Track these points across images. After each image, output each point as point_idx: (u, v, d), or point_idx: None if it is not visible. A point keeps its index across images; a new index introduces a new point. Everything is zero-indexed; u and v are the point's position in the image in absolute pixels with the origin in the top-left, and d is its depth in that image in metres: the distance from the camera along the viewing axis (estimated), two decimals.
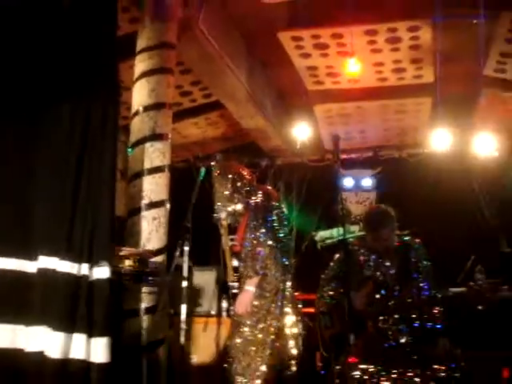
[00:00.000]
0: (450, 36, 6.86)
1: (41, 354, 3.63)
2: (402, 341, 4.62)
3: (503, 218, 8.76)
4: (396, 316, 4.68)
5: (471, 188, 9.03)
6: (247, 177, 5.12)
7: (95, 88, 4.11)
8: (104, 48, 4.21)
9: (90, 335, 3.76)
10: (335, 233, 8.44)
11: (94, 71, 4.12)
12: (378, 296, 4.76)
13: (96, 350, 3.76)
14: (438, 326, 4.62)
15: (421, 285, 4.72)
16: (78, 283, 3.79)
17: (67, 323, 3.71)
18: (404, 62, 7.21)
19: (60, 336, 3.65)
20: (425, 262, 4.83)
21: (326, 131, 8.98)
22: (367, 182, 9.88)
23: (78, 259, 3.80)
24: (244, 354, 4.80)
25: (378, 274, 4.84)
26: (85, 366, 3.72)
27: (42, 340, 3.65)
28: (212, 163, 5.11)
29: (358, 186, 9.90)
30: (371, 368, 4.41)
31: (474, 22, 6.49)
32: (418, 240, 4.94)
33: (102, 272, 3.83)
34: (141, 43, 5.76)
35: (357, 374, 4.40)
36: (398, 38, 6.67)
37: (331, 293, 4.97)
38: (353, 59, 6.41)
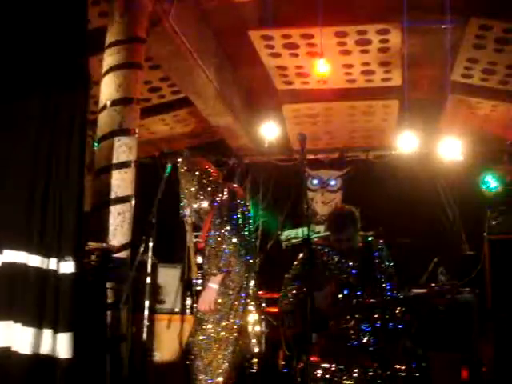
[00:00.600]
0: (418, 40, 6.95)
1: (8, 349, 3.60)
2: (364, 340, 4.66)
3: (466, 221, 8.89)
4: (358, 316, 4.72)
5: (436, 191, 9.14)
6: (213, 174, 5.12)
7: (64, 82, 4.08)
8: (73, 41, 4.17)
9: (56, 330, 3.73)
10: (300, 232, 8.48)
11: (63, 65, 4.09)
12: (340, 296, 4.79)
13: (61, 345, 3.73)
14: (400, 326, 4.67)
15: (383, 285, 4.77)
16: (47, 278, 3.77)
17: (37, 318, 3.68)
18: (373, 64, 7.25)
19: (30, 331, 3.62)
20: (387, 263, 4.88)
21: (294, 131, 8.98)
22: (333, 182, 9.94)
23: (47, 254, 3.78)
24: (206, 351, 4.80)
25: (341, 274, 4.87)
26: (52, 361, 3.70)
27: (8, 335, 3.61)
28: (179, 159, 5.10)
29: (324, 186, 9.95)
30: (333, 367, 4.44)
31: (443, 27, 6.56)
32: (381, 241, 4.99)
33: (67, 267, 3.81)
34: (110, 37, 5.71)
35: (319, 372, 4.43)
36: (368, 41, 6.71)
37: (294, 292, 4.98)
38: (322, 60, 6.43)
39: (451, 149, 7.98)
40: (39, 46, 4.02)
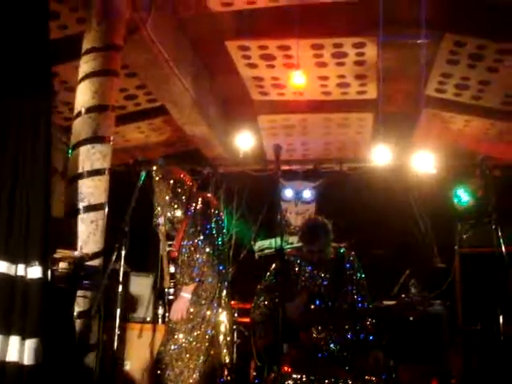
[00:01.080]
0: (394, 54, 7.03)
1: None
2: (335, 351, 4.68)
3: (437, 233, 8.97)
4: (329, 327, 4.74)
5: (408, 203, 9.21)
6: (188, 183, 5.11)
7: (28, 88, 4.07)
8: (36, 49, 4.17)
9: (24, 337, 3.70)
10: (273, 243, 8.49)
11: (26, 73, 4.08)
12: (312, 307, 4.81)
13: (28, 351, 3.71)
14: (371, 338, 4.70)
15: (354, 297, 4.79)
16: (14, 284, 3.75)
17: (4, 325, 3.65)
18: (348, 77, 7.32)
19: None
20: (359, 275, 4.91)
21: (269, 142, 9.02)
22: (307, 193, 9.97)
23: (14, 259, 3.75)
24: (177, 361, 4.78)
25: (313, 285, 4.89)
26: (18, 368, 3.67)
27: None
28: (153, 168, 5.08)
29: (298, 197, 9.97)
30: (304, 377, 4.44)
31: (418, 42, 6.64)
32: (352, 253, 5.02)
33: (34, 272, 3.78)
34: (86, 44, 5.69)
35: (289, 383, 4.42)
36: (344, 54, 6.78)
37: (266, 302, 4.98)
38: (298, 72, 6.48)
39: (424, 162, 8.07)
40: (3, 55, 4.01)
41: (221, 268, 4.95)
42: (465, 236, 7.59)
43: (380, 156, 7.84)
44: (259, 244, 9.20)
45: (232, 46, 6.78)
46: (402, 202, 9.09)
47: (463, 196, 8.93)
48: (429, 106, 7.80)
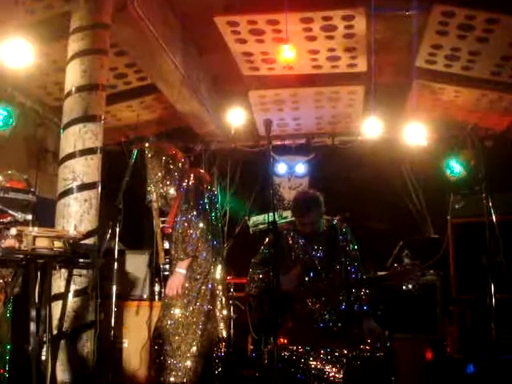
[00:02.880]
0: (383, 26, 7.01)
1: None
2: (330, 322, 4.74)
3: (430, 205, 9.02)
4: (324, 298, 4.79)
5: (401, 175, 9.26)
6: (180, 159, 5.13)
7: None
8: None
9: None
10: (267, 218, 8.50)
11: None
12: (306, 279, 4.86)
13: None
14: (365, 308, 4.76)
15: (348, 268, 4.84)
16: None
17: None
18: (338, 50, 7.30)
19: None
20: (352, 246, 4.96)
21: (261, 117, 9.02)
22: (300, 168, 10.01)
23: None
24: (174, 335, 4.83)
25: (307, 257, 4.94)
26: None
27: None
28: (146, 145, 5.10)
29: (291, 171, 10.01)
30: (300, 348, 4.51)
31: (407, 13, 6.64)
32: (345, 224, 5.06)
33: None
34: (74, 23, 5.67)
35: (286, 354, 4.49)
36: (333, 27, 6.76)
37: (261, 276, 5.04)
38: (287, 46, 6.45)
39: (416, 134, 8.09)
40: None
41: (215, 243, 4.99)
42: (457, 206, 7.62)
43: (371, 129, 7.86)
44: (253, 219, 9.23)
45: (221, 22, 6.76)
46: (394, 174, 9.14)
47: (455, 167, 8.97)
48: (419, 77, 7.80)
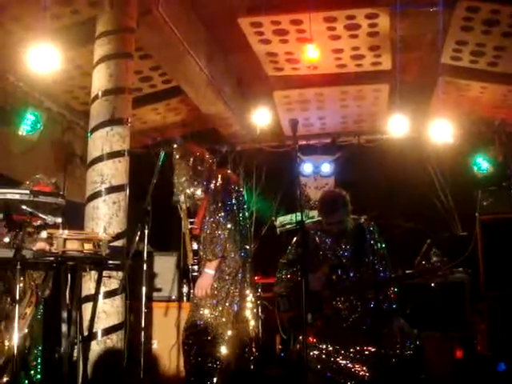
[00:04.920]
0: (407, 24, 6.96)
1: None
2: (358, 321, 4.73)
3: (458, 202, 8.96)
4: (352, 297, 4.79)
5: (427, 173, 9.20)
6: (207, 160, 5.16)
7: None
8: None
9: None
10: (294, 218, 8.52)
11: None
12: (334, 278, 4.86)
13: None
14: (394, 306, 4.74)
15: (376, 266, 4.83)
16: None
17: None
18: (362, 48, 7.28)
19: None
20: (379, 245, 4.94)
21: (286, 117, 9.02)
22: (326, 167, 9.99)
23: None
24: (204, 336, 4.85)
25: (334, 256, 4.93)
26: None
27: None
28: (174, 146, 5.13)
29: (317, 171, 10.00)
30: (329, 347, 4.51)
31: (431, 10, 6.60)
32: (372, 223, 5.05)
33: None
34: (100, 28, 5.75)
35: (315, 353, 4.49)
36: (357, 25, 6.75)
37: (289, 276, 5.04)
38: (312, 45, 6.46)
39: (442, 131, 8.03)
40: None
41: (243, 244, 5.01)
42: (485, 203, 7.57)
43: (397, 127, 7.82)
44: (280, 220, 9.23)
45: (244, 23, 6.78)
46: (421, 172, 9.08)
47: (482, 163, 8.92)
48: (444, 74, 7.74)
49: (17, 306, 4.32)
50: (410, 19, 6.89)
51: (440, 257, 4.68)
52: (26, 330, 4.70)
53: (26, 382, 4.65)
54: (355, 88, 8.43)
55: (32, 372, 4.77)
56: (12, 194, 4.41)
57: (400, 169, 8.63)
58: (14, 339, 4.22)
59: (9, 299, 4.69)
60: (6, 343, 4.61)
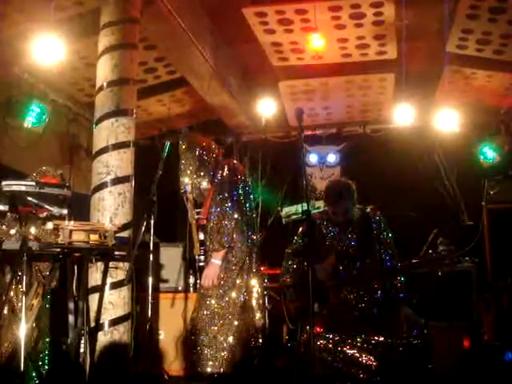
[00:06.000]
0: (412, 12, 6.91)
1: None
2: (365, 310, 4.74)
3: (464, 191, 8.93)
4: (359, 286, 4.79)
5: (433, 163, 9.17)
6: (214, 151, 5.16)
7: None
8: None
9: None
10: (300, 208, 8.50)
11: None
12: (340, 267, 4.86)
13: None
14: (401, 296, 4.74)
15: (382, 256, 4.83)
16: None
17: None
18: (367, 38, 7.24)
19: None
20: (386, 234, 4.94)
21: (291, 108, 9.00)
22: (332, 157, 9.96)
23: None
24: (210, 326, 4.87)
25: (340, 246, 4.94)
26: None
27: None
28: (179, 137, 5.13)
29: (322, 161, 9.97)
30: (336, 337, 4.51)
31: None
32: (378, 212, 5.04)
33: None
34: (104, 18, 5.71)
35: (322, 342, 4.50)
36: (362, 14, 6.70)
37: (295, 266, 5.06)
38: (316, 35, 6.44)
39: (448, 120, 8.00)
40: None
41: (249, 234, 5.01)
42: (492, 192, 7.55)
43: (403, 116, 7.79)
44: (286, 210, 9.23)
45: (249, 13, 6.75)
46: (427, 161, 9.06)
47: (488, 152, 8.88)
48: (450, 63, 7.70)
49: (24, 297, 4.33)
50: (416, 8, 6.84)
51: (447, 246, 4.67)
52: (33, 322, 4.73)
53: (34, 373, 4.67)
54: (360, 77, 8.39)
55: (40, 363, 4.79)
56: (18, 186, 4.42)
57: (406, 158, 8.61)
58: (21, 330, 4.22)
59: (16, 290, 4.71)
60: (14, 334, 4.64)
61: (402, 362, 4.38)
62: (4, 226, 4.67)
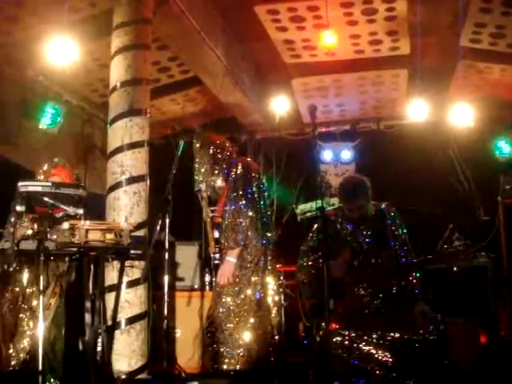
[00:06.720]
0: (425, 7, 6.89)
1: None
2: (381, 306, 4.73)
3: (480, 186, 8.89)
4: (374, 283, 4.78)
5: (448, 158, 9.13)
6: (228, 149, 5.17)
7: None
8: None
9: None
10: (314, 205, 8.51)
11: None
12: (355, 264, 4.86)
13: None
14: (416, 291, 4.73)
15: (398, 252, 4.82)
16: None
17: None
18: (380, 33, 7.22)
19: None
20: (401, 230, 4.93)
21: (304, 105, 8.98)
22: (346, 154, 9.94)
23: None
24: (226, 323, 4.88)
25: (355, 242, 4.93)
26: None
27: None
28: (194, 136, 5.15)
29: (337, 158, 9.96)
30: (352, 333, 4.51)
31: None
32: (393, 208, 5.03)
33: None
34: (117, 19, 5.75)
35: (338, 339, 4.50)
36: (374, 10, 6.69)
37: (310, 263, 5.05)
38: (329, 31, 6.42)
39: (462, 115, 7.97)
40: None
41: (264, 231, 5.02)
42: (507, 187, 7.50)
43: (417, 112, 7.77)
44: (301, 207, 9.24)
45: (261, 11, 6.76)
46: (442, 157, 9.02)
47: (504, 147, 8.83)
48: (464, 57, 7.67)
49: (41, 296, 4.37)
50: (428, 2, 6.82)
51: (462, 241, 4.65)
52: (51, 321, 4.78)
53: (52, 371, 4.71)
54: (374, 73, 8.37)
55: (56, 362, 4.84)
56: (34, 187, 4.45)
57: (420, 154, 8.57)
58: (39, 329, 4.26)
59: (34, 290, 4.76)
60: (31, 333, 4.69)
61: (418, 358, 4.37)
62: (21, 226, 4.73)
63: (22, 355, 4.71)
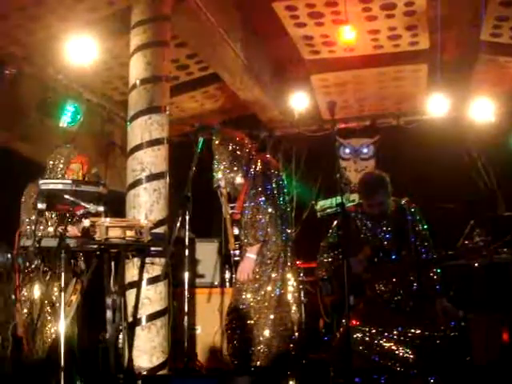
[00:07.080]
0: (444, 1, 6.85)
1: None
2: (401, 303, 4.71)
3: (501, 182, 8.81)
4: (394, 279, 4.76)
5: (469, 153, 9.06)
6: (247, 146, 5.17)
7: None
8: None
9: None
10: (334, 202, 8.49)
11: None
12: (375, 260, 4.84)
13: None
14: (437, 288, 4.70)
15: (418, 248, 4.79)
16: None
17: None
18: (399, 28, 7.18)
19: None
20: (421, 226, 4.90)
21: (324, 101, 8.97)
22: (366, 150, 9.91)
23: None
24: (246, 319, 4.88)
25: (375, 238, 4.91)
26: None
27: None
28: (212, 132, 5.16)
29: (356, 154, 9.93)
30: (372, 329, 4.50)
31: None
32: (413, 204, 5.00)
33: None
34: (135, 17, 5.78)
35: (358, 335, 4.49)
36: (393, 5, 6.65)
37: (330, 259, 5.05)
38: (347, 27, 6.41)
39: (483, 110, 7.92)
40: None
41: (284, 227, 5.01)
42: None
43: (437, 107, 7.73)
44: (321, 204, 9.22)
45: (279, 7, 6.74)
46: (462, 151, 8.96)
47: None
48: (484, 51, 7.60)
49: (62, 293, 4.40)
50: None
51: (484, 237, 4.60)
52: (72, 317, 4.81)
53: (74, 367, 4.74)
54: (393, 69, 8.31)
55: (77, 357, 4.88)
56: (55, 184, 4.49)
57: (441, 149, 8.51)
58: (61, 326, 4.29)
59: (55, 287, 4.80)
60: (53, 329, 4.72)
61: (439, 354, 4.35)
62: (42, 224, 4.77)
63: (44, 351, 4.75)
